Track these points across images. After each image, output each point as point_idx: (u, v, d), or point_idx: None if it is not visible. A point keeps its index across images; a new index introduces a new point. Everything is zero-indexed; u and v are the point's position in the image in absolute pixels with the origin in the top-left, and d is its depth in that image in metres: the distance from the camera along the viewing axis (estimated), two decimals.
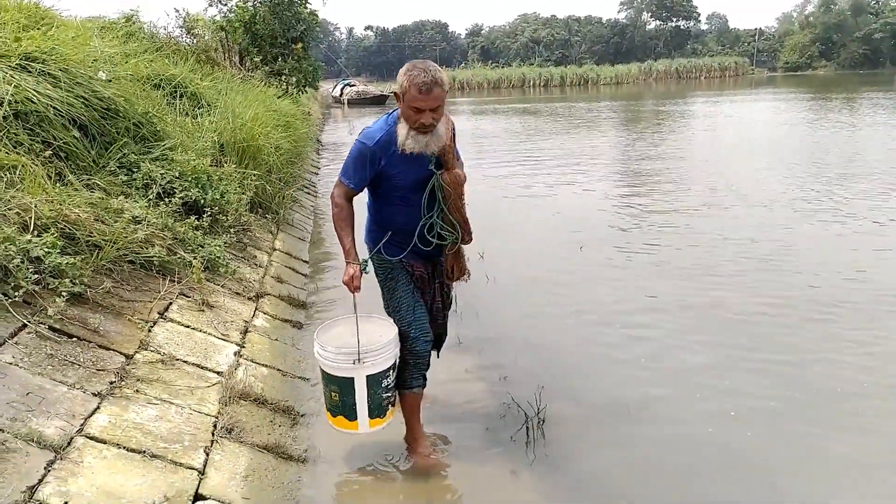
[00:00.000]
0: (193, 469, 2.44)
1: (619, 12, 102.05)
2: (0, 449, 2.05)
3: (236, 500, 2.40)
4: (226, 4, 15.55)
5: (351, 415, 2.76)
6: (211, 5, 15.64)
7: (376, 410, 2.78)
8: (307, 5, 16.27)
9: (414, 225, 2.83)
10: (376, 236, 2.92)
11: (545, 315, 4.89)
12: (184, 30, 12.23)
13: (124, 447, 2.37)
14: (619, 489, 2.84)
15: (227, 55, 14.39)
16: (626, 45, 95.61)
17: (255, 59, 15.16)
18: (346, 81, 42.73)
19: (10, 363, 2.50)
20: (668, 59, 79.67)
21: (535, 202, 8.91)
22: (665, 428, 3.31)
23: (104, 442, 2.34)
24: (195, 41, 12.13)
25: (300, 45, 16.02)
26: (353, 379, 2.67)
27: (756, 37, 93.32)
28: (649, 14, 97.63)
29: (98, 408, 2.51)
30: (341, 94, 39.41)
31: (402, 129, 2.64)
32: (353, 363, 2.64)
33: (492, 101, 39.12)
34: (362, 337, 2.70)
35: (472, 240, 2.92)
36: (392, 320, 2.92)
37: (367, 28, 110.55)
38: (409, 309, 2.90)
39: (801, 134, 15.94)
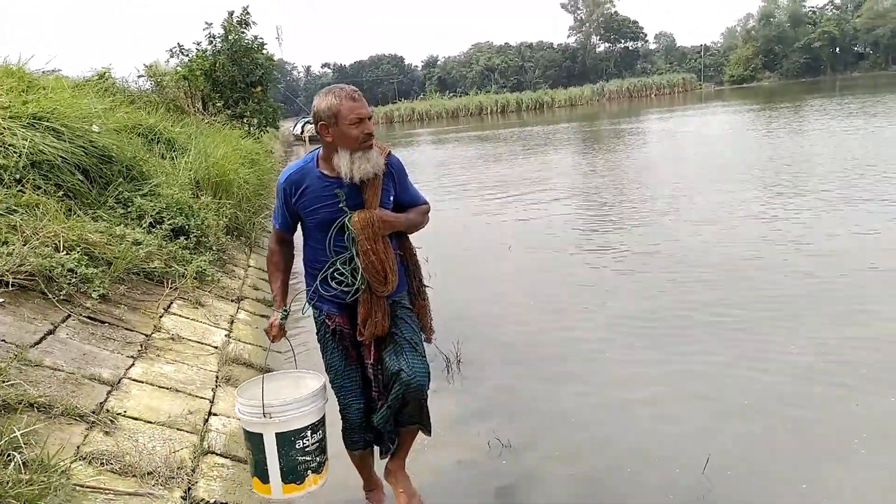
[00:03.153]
0: (206, 399, 3.46)
1: (568, 37, 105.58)
2: (76, 383, 3.05)
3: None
4: (187, 55, 16.61)
5: (263, 476, 2.47)
6: (173, 56, 16.71)
7: (290, 475, 2.46)
8: (264, 51, 17.41)
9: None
10: (307, 284, 2.69)
11: (466, 289, 6.00)
12: (153, 82, 13.24)
13: (156, 385, 3.39)
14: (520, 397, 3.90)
15: (191, 102, 15.40)
16: (578, 69, 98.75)
17: (218, 104, 16.19)
18: (306, 119, 43.77)
19: (66, 337, 3.50)
20: (620, 80, 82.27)
21: (483, 218, 10.07)
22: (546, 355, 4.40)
23: (142, 382, 3.36)
24: (163, 92, 13.13)
25: (259, 88, 17.12)
26: (262, 435, 2.42)
27: (702, 53, 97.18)
28: (598, 37, 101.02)
29: (133, 364, 3.52)
30: (302, 132, 40.54)
31: (342, 160, 2.41)
32: (261, 417, 2.39)
33: (451, 130, 40.61)
34: (293, 393, 2.51)
35: (388, 290, 2.54)
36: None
37: (324, 65, 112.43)
38: (338, 374, 2.66)
39: (752, 143, 16.91)
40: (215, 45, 16.51)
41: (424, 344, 2.77)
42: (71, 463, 2.43)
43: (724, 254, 6.55)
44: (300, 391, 2.54)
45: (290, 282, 2.79)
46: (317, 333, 2.72)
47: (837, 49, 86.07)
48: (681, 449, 3.21)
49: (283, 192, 2.58)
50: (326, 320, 2.64)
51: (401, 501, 2.74)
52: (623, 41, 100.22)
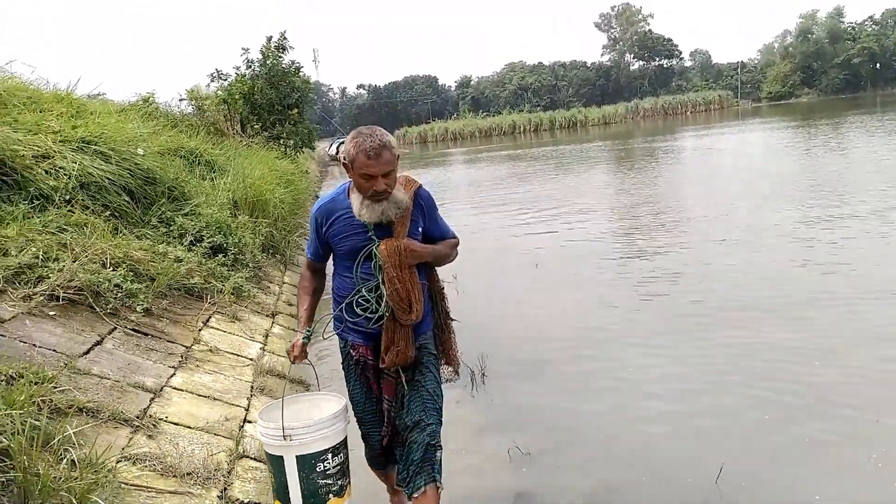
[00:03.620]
0: (241, 407, 3.65)
1: (602, 55, 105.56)
2: (121, 390, 3.26)
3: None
4: (226, 80, 17.18)
5: (285, 499, 2.49)
6: (213, 81, 17.30)
7: (311, 498, 2.47)
8: (300, 74, 17.90)
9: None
10: (333, 307, 2.72)
11: (492, 306, 6.11)
12: (194, 106, 13.75)
13: (195, 394, 3.58)
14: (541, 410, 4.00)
15: (230, 125, 15.90)
16: (611, 87, 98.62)
17: (256, 126, 16.68)
18: (341, 140, 44.73)
19: (112, 348, 3.72)
20: (654, 97, 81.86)
21: (511, 237, 10.19)
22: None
23: (182, 390, 3.56)
24: (203, 115, 13.61)
25: (296, 110, 17.59)
26: (283, 458, 2.44)
27: (738, 69, 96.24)
28: (632, 55, 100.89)
29: (174, 373, 3.73)
30: (337, 153, 41.37)
31: (355, 200, 2.48)
32: (282, 440, 2.41)
33: (484, 150, 40.91)
34: (314, 415, 2.54)
35: (413, 320, 2.54)
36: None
37: (359, 87, 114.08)
38: (357, 404, 2.73)
39: (793, 161, 16.63)
40: (254, 70, 17.04)
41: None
42: (116, 463, 2.61)
43: (753, 276, 6.49)
44: (321, 413, 2.56)
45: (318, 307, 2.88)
46: (342, 363, 2.76)
47: (878, 65, 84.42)
48: (694, 461, 3.28)
49: (314, 222, 2.65)
50: (351, 350, 2.67)
51: None
52: (657, 59, 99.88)
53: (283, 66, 17.30)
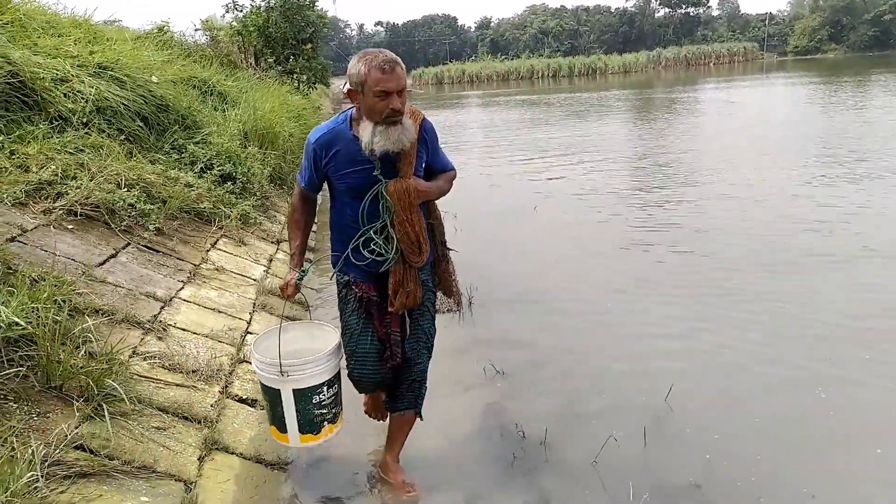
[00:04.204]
0: (243, 320, 3.97)
1: (627, 1, 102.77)
2: (134, 298, 3.56)
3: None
4: (241, 11, 17.11)
5: (281, 427, 2.59)
6: (227, 12, 17.24)
7: (307, 426, 2.57)
8: (316, 9, 17.78)
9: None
10: (332, 246, 2.70)
11: (485, 243, 6.37)
12: (208, 36, 13.78)
13: (202, 306, 3.89)
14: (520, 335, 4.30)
15: (244, 57, 15.93)
16: (634, 34, 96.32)
17: (269, 60, 16.70)
18: None
19: (126, 261, 4.01)
20: (677, 47, 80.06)
21: (514, 180, 10.36)
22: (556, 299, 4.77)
23: (190, 302, 3.87)
24: (218, 46, 13.66)
25: (310, 45, 17.55)
26: (279, 391, 2.51)
27: (766, 21, 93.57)
28: (658, 2, 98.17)
29: (183, 287, 4.03)
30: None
31: (365, 129, 2.34)
32: (279, 375, 2.47)
33: (500, 94, 40.50)
34: (307, 345, 2.64)
35: (422, 261, 2.53)
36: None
37: (377, 24, 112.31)
38: (353, 336, 2.64)
39: (811, 117, 16.33)
40: (269, 2, 16.93)
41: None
42: (129, 357, 2.93)
43: (745, 231, 6.58)
44: (315, 343, 2.64)
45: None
46: (338, 294, 2.72)
47: None
48: (648, 383, 3.61)
49: (312, 153, 2.51)
50: (353, 287, 2.60)
51: (398, 494, 2.73)
52: (684, 6, 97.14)
53: None
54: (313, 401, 2.53)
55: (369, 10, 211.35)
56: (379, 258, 2.49)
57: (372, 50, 2.35)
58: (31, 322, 2.54)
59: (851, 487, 2.69)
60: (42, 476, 1.99)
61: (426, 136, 2.55)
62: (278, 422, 2.59)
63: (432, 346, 2.74)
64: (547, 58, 75.09)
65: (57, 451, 2.14)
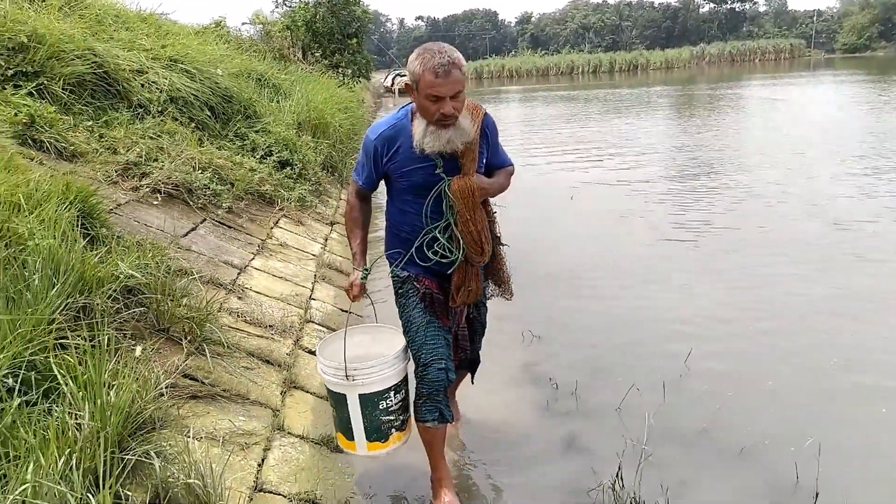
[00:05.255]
0: (307, 288, 4.45)
1: None
2: (214, 264, 4.06)
3: (330, 303, 4.38)
4: (290, 7, 17.74)
5: (348, 434, 2.53)
6: (277, 6, 17.89)
7: (374, 434, 2.49)
8: (360, 4, 18.31)
9: (419, 235, 2.48)
10: (388, 243, 2.67)
11: (522, 227, 6.76)
12: (258, 29, 14.42)
13: (271, 274, 4.38)
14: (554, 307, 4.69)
15: (293, 51, 16.55)
16: (678, 29, 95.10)
17: (316, 54, 17.29)
18: (398, 72, 44.83)
19: (205, 234, 4.52)
20: (722, 43, 78.74)
21: (552, 172, 10.71)
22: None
23: (261, 270, 4.36)
24: (270, 41, 14.28)
25: (355, 40, 18.10)
26: (345, 396, 2.46)
27: (815, 17, 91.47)
28: None
29: (253, 258, 4.53)
30: (392, 84, 41.60)
31: (418, 127, 2.31)
32: (344, 379, 2.40)
33: (539, 88, 40.66)
34: (372, 349, 2.58)
35: (485, 261, 2.51)
36: None
37: (417, 18, 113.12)
38: (420, 330, 2.53)
39: (855, 117, 16.05)
40: None
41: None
42: (217, 311, 3.41)
43: (778, 233, 6.48)
44: (380, 347, 2.60)
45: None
46: (397, 291, 2.64)
47: None
48: (670, 348, 3.99)
49: (372, 149, 2.44)
50: (415, 283, 2.56)
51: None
52: (729, 2, 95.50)
53: None
54: (380, 406, 2.46)
55: (410, 4, 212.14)
56: (444, 260, 2.44)
57: (432, 47, 2.25)
58: (144, 273, 3.03)
59: (852, 435, 3.03)
60: (164, 394, 2.46)
61: (487, 132, 2.49)
62: (345, 428, 2.53)
63: (485, 330, 2.98)
64: (588, 53, 74.62)
65: (171, 377, 2.62)
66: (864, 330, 4.13)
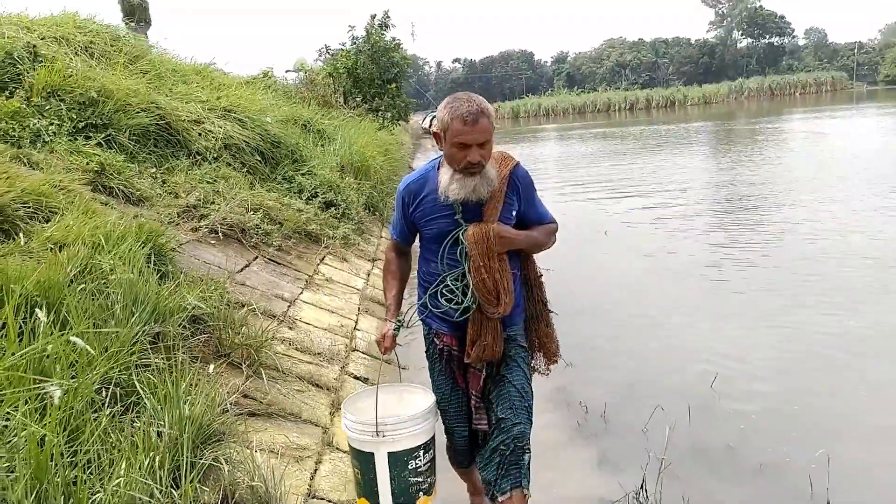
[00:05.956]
0: (351, 320, 4.75)
1: (707, 32, 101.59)
2: (267, 298, 4.39)
3: (373, 333, 4.67)
4: (332, 55, 18.53)
5: (373, 498, 2.38)
6: (320, 56, 18.72)
7: (402, 497, 2.36)
8: (400, 51, 19.02)
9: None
10: (418, 293, 2.57)
11: (553, 260, 6.96)
12: (300, 75, 15.14)
13: (318, 307, 4.70)
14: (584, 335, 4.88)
15: (335, 97, 17.25)
16: (716, 65, 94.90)
17: (357, 99, 17.96)
18: (435, 114, 45.70)
19: (257, 270, 4.88)
20: (761, 77, 78.25)
21: (586, 207, 10.93)
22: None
23: (309, 303, 4.68)
24: (315, 88, 14.97)
25: (394, 85, 18.75)
26: (373, 454, 2.32)
27: (855, 50, 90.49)
28: (740, 32, 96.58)
29: (302, 292, 4.86)
30: (430, 126, 42.53)
31: (444, 175, 2.31)
32: (373, 436, 2.29)
33: (576, 126, 41.06)
34: (398, 410, 2.46)
35: (500, 313, 2.34)
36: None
37: (454, 61, 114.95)
38: (443, 396, 2.53)
39: None
40: (357, 46, 18.28)
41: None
42: (271, 339, 3.72)
43: (819, 275, 6.34)
44: (406, 406, 2.50)
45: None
46: (425, 351, 2.62)
47: None
48: (696, 370, 4.23)
49: (401, 201, 2.47)
50: (435, 339, 2.51)
51: None
52: (767, 36, 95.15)
53: (385, 42, 18.45)
54: (409, 466, 2.34)
55: (447, 46, 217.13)
56: (455, 306, 2.37)
57: (461, 96, 2.27)
58: (206, 303, 3.36)
59: (865, 449, 3.16)
60: (228, 410, 2.75)
61: (518, 183, 2.42)
62: (369, 492, 2.37)
63: (531, 407, 2.46)
64: (624, 90, 74.99)
65: (233, 396, 2.92)
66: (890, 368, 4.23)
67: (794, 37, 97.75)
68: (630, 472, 3.04)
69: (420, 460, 2.36)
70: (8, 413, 1.89)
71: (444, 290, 2.39)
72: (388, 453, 2.30)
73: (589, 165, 17.77)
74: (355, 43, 18.37)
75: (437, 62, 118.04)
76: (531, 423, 2.42)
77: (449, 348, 2.47)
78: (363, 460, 2.35)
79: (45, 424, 1.91)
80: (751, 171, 13.65)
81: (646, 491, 2.81)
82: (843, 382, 3.98)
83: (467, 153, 2.21)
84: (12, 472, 1.69)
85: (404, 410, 2.44)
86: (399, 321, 2.50)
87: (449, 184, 2.27)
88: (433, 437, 2.44)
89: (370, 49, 18.12)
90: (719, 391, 3.90)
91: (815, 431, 3.41)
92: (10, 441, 1.80)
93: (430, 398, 2.48)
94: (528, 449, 2.40)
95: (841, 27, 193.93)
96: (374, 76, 18.21)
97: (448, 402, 2.52)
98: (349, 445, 2.41)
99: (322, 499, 2.63)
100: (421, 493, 2.39)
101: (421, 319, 2.55)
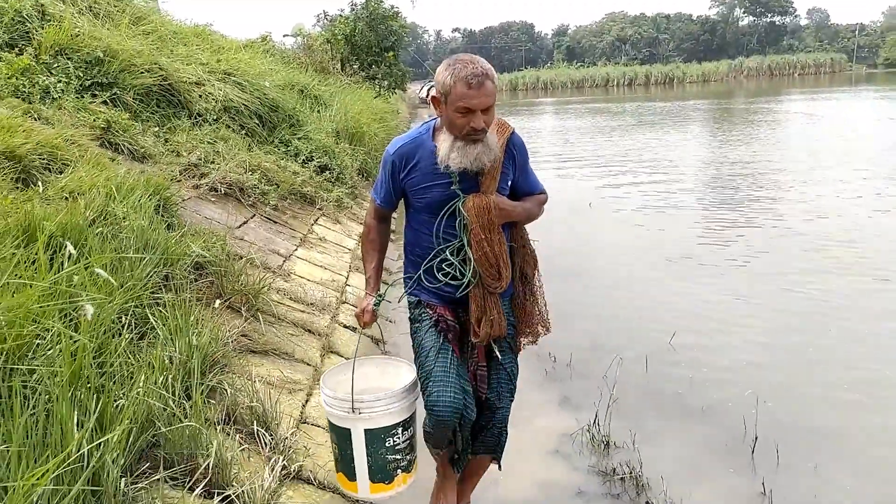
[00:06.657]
0: (342, 276, 5.08)
1: (710, 8, 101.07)
2: (264, 252, 4.69)
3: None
4: (331, 21, 18.59)
5: (349, 473, 2.34)
6: (318, 22, 18.77)
7: (379, 474, 2.31)
8: (398, 19, 19.08)
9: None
10: (404, 266, 2.50)
11: (535, 230, 7.29)
12: (298, 41, 15.26)
13: (312, 263, 5.01)
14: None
15: (332, 63, 17.36)
16: (716, 42, 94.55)
17: (354, 66, 18.08)
18: (432, 83, 45.65)
19: (255, 227, 5.17)
20: (761, 56, 78.09)
21: (573, 181, 11.22)
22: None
23: (303, 259, 4.99)
24: (312, 54, 15.11)
25: (392, 53, 18.85)
26: (350, 431, 2.27)
27: (857, 32, 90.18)
28: (742, 10, 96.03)
29: (296, 249, 5.17)
30: (427, 95, 42.30)
31: (443, 142, 2.17)
32: (349, 412, 2.23)
33: (573, 101, 41.12)
34: (379, 383, 2.42)
35: (502, 286, 2.27)
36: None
37: (454, 30, 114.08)
38: (430, 354, 2.30)
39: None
40: (356, 13, 18.33)
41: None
42: (267, 288, 4.03)
43: (799, 252, 6.52)
44: (387, 379, 2.45)
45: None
46: (410, 318, 2.46)
47: None
48: (658, 328, 4.59)
49: (390, 165, 2.32)
50: (427, 308, 2.36)
51: None
52: (769, 15, 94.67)
53: (384, 9, 18.51)
54: (387, 444, 2.28)
55: (447, 16, 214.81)
56: (454, 282, 2.27)
57: (464, 57, 2.13)
58: (209, 252, 3.67)
59: (797, 399, 3.53)
60: (229, 345, 3.07)
61: (514, 151, 2.33)
62: (346, 467, 2.33)
63: (515, 388, 2.44)
64: (623, 66, 74.73)
65: (233, 333, 3.24)
66: (851, 330, 4.57)
67: (795, 16, 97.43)
68: (587, 410, 3.43)
69: (398, 437, 2.29)
70: (46, 327, 2.20)
71: (442, 265, 2.28)
72: (365, 430, 2.25)
73: (581, 139, 18.01)
74: (353, 9, 18.42)
75: (437, 31, 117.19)
76: (512, 401, 2.42)
77: (444, 317, 2.33)
78: (340, 435, 2.30)
79: (79, 335, 2.22)
80: (739, 151, 13.92)
81: (598, 425, 3.21)
82: (795, 345, 4.34)
83: (471, 119, 2.09)
84: (55, 375, 2.00)
85: (385, 384, 2.41)
86: (380, 296, 2.40)
87: (450, 151, 2.14)
88: (413, 415, 2.36)
89: (368, 16, 18.19)
90: (676, 345, 4.29)
91: (759, 382, 3.78)
92: (48, 350, 2.11)
93: (412, 373, 2.38)
94: (506, 427, 2.44)
95: (843, 8, 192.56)
96: (371, 44, 18.31)
97: (434, 362, 2.28)
98: (327, 420, 2.36)
99: (312, 424, 2.96)
100: (399, 470, 2.34)
101: (409, 293, 2.43)
